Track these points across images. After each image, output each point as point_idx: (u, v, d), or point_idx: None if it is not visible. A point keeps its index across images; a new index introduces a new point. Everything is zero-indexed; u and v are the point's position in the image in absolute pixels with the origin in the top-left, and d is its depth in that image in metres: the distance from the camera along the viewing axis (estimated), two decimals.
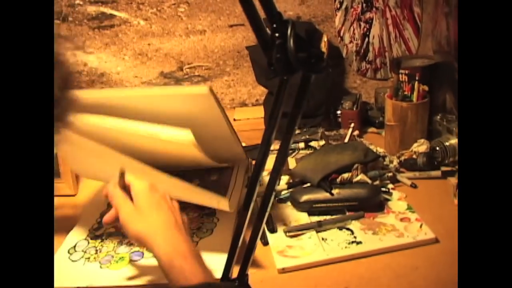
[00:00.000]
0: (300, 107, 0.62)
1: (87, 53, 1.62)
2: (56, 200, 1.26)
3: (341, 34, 1.64)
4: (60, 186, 1.29)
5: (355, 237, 0.99)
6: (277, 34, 0.58)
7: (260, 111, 1.61)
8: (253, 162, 1.31)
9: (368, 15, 1.60)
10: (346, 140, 1.34)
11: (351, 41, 1.65)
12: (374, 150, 1.26)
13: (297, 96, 0.61)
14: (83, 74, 1.64)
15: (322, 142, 1.34)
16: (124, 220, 0.77)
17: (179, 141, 0.87)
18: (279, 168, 0.70)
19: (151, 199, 0.79)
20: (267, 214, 0.74)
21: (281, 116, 0.69)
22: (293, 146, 1.35)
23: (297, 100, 0.61)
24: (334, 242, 0.98)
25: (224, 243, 0.94)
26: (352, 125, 1.40)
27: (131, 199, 0.80)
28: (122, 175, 0.83)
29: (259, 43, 0.61)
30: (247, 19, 0.59)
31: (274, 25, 0.58)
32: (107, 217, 0.81)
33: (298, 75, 0.59)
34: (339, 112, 1.51)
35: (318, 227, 1.03)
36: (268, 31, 0.60)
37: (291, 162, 1.29)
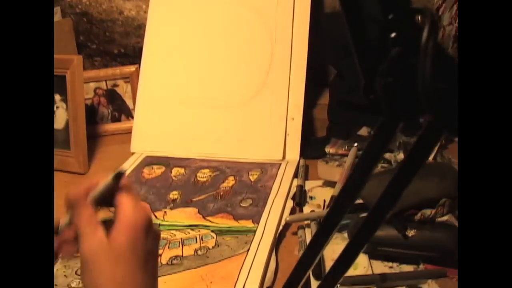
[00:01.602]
0: (415, 170, 0.33)
1: None
2: (62, 176, 1.04)
3: (440, 12, 1.33)
4: (69, 160, 1.07)
5: None
6: (393, 34, 0.29)
7: None
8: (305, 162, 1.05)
9: None
10: (431, 157, 1.02)
11: (450, 23, 1.32)
12: None
13: (411, 153, 0.32)
14: (117, 23, 1.38)
15: (400, 155, 1.02)
16: (83, 254, 0.48)
17: None
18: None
19: (130, 243, 0.48)
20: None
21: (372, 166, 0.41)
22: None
23: (410, 159, 0.33)
24: None
25: None
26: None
27: (106, 226, 0.49)
28: (118, 176, 0.49)
29: (352, 42, 0.32)
30: None
31: (391, 16, 0.29)
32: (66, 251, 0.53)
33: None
34: None
35: (381, 281, 0.77)
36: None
37: None
